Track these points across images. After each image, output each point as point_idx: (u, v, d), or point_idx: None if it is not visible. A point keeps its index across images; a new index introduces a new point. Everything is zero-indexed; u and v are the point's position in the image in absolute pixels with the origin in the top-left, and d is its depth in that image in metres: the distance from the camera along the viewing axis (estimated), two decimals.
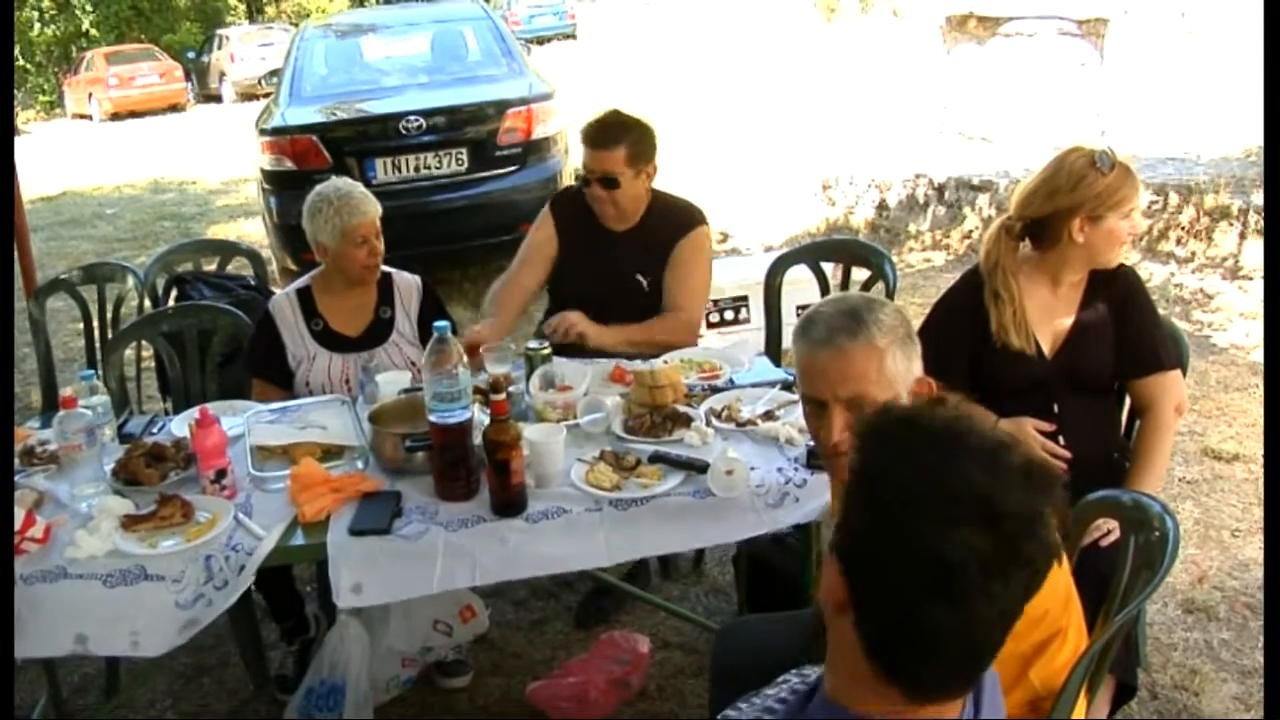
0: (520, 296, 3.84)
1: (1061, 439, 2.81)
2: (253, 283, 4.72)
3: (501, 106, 7.34)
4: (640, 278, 3.72)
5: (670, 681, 3.43)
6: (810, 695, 1.44)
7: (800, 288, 4.21)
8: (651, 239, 3.74)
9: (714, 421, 2.93)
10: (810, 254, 4.28)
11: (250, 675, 3.60)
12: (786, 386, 3.16)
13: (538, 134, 7.09)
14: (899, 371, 2.00)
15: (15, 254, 6.09)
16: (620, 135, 3.67)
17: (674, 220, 3.78)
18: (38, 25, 31.80)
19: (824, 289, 4.11)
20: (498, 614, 3.65)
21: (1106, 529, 2.53)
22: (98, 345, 4.58)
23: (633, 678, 3.31)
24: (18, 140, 6.43)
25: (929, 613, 1.22)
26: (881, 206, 8.80)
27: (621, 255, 3.73)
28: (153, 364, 4.31)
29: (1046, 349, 2.90)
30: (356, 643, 3.04)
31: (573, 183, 3.87)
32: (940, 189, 8.39)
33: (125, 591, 2.46)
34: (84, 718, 3.57)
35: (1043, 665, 1.82)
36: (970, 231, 7.93)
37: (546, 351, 3.17)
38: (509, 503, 2.53)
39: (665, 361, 3.28)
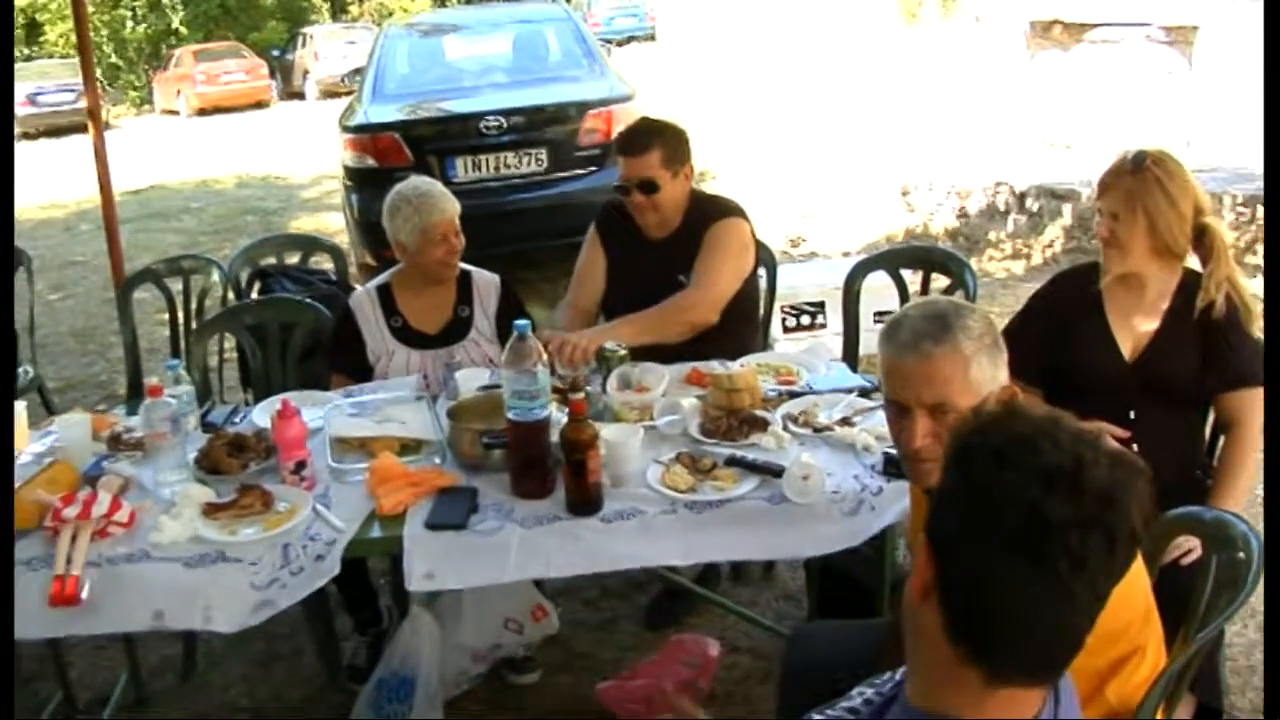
0: (582, 320, 3.82)
1: (1136, 448, 2.72)
2: (333, 278, 4.78)
3: (582, 107, 7.38)
4: (682, 278, 3.68)
5: (739, 686, 3.42)
6: (888, 704, 1.44)
7: (879, 294, 4.18)
8: (689, 237, 3.72)
9: (790, 426, 2.92)
10: (890, 260, 4.25)
11: (323, 665, 3.64)
12: (864, 393, 3.14)
13: (617, 135, 7.05)
14: (984, 379, 1.98)
15: (108, 245, 6.24)
16: (653, 139, 3.65)
17: (709, 213, 3.75)
18: (130, 24, 32.45)
19: (903, 296, 4.07)
20: (568, 612, 3.65)
21: (1188, 547, 2.47)
22: (182, 336, 4.67)
23: (701, 681, 3.28)
24: (109, 134, 6.55)
25: (1013, 574, 1.22)
26: (961, 214, 8.70)
27: (665, 261, 3.70)
28: (235, 355, 4.37)
29: (1126, 353, 2.86)
30: (428, 636, 3.06)
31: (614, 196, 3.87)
32: (1021, 197, 8.29)
33: (203, 572, 2.51)
34: (161, 698, 3.64)
35: (1120, 683, 1.79)
36: (1051, 241, 7.82)
37: (623, 352, 3.18)
38: (585, 502, 2.54)
39: (742, 365, 3.27)
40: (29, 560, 2.55)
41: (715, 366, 3.27)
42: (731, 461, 2.70)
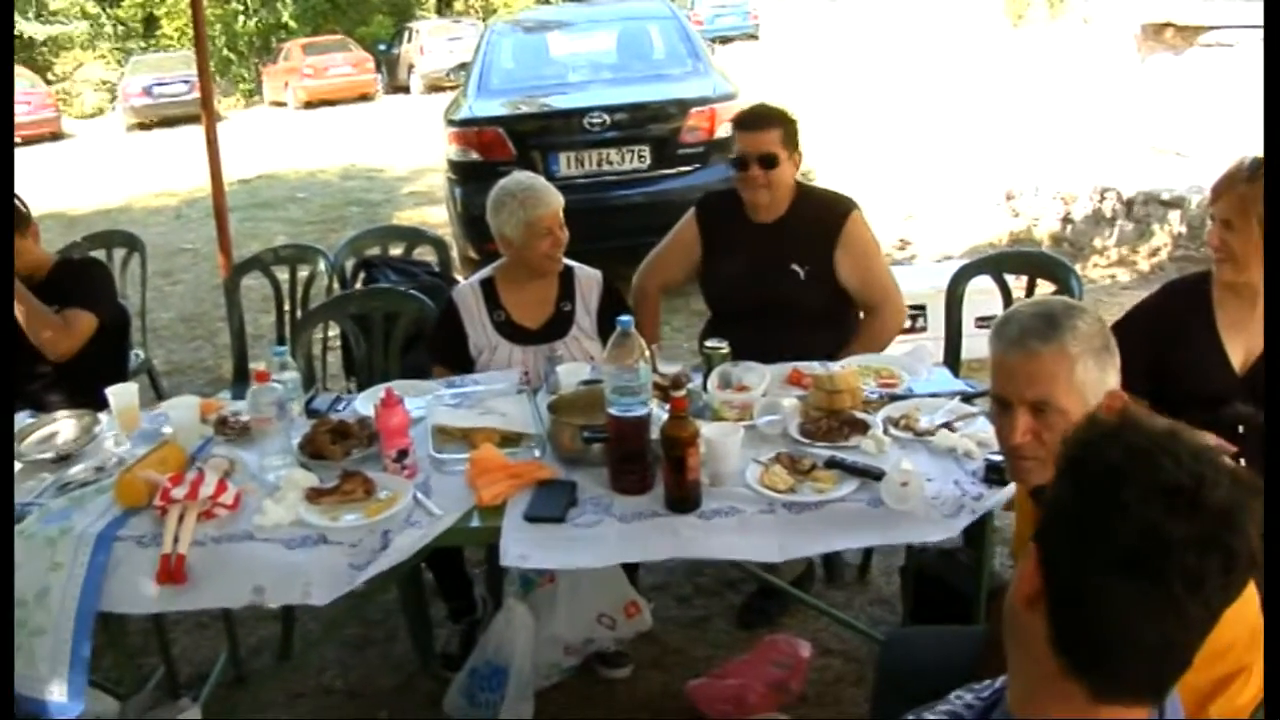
0: (647, 305, 3.99)
1: (1243, 463, 2.66)
2: (437, 270, 4.83)
3: (685, 105, 7.37)
4: (796, 267, 3.71)
5: (830, 689, 3.40)
6: (990, 709, 1.41)
7: (981, 299, 4.12)
8: (806, 228, 3.74)
9: (891, 430, 2.88)
10: (994, 265, 4.18)
11: (416, 651, 3.68)
12: (966, 398, 3.10)
13: (720, 134, 7.05)
14: (1090, 381, 1.96)
15: (217, 233, 6.37)
16: (774, 118, 3.73)
17: (828, 208, 3.79)
18: (241, 18, 33.13)
19: (1007, 301, 4.01)
20: (661, 609, 3.66)
21: None
22: (287, 323, 4.75)
23: (792, 682, 3.28)
24: (219, 126, 6.70)
25: (1125, 592, 1.19)
26: (1066, 219, 8.54)
27: (774, 246, 3.74)
28: (338, 344, 4.44)
29: (1236, 365, 2.79)
30: (522, 627, 3.08)
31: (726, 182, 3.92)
32: (1129, 204, 8.10)
33: (303, 553, 2.56)
34: (258, 677, 3.73)
35: (1224, 703, 1.74)
36: (1158, 249, 7.64)
37: (725, 351, 3.17)
38: (683, 499, 2.53)
39: (843, 366, 3.25)
40: (139, 537, 2.62)
41: (816, 367, 3.26)
42: (831, 463, 2.68)
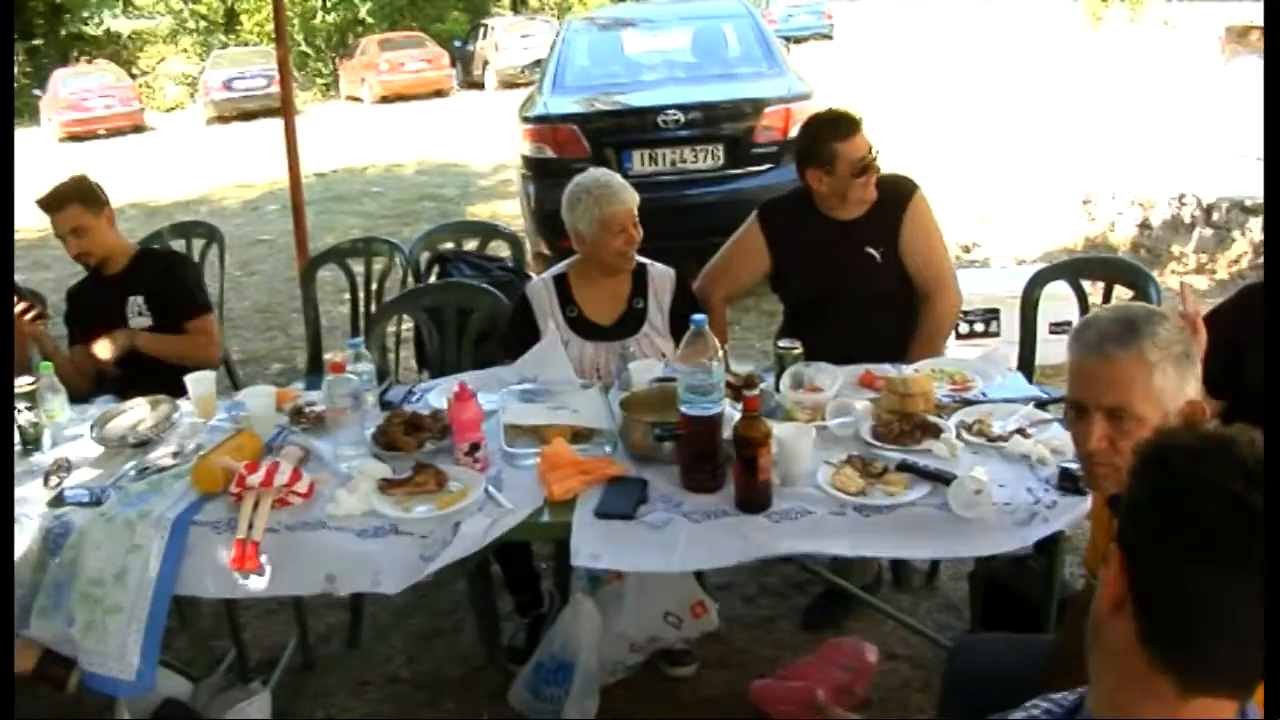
0: (713, 316, 3.92)
1: None
2: (511, 265, 4.86)
3: (759, 105, 7.34)
4: (871, 250, 3.73)
5: (895, 694, 3.38)
6: (1071, 714, 1.40)
7: (1057, 304, 4.08)
8: (875, 211, 3.76)
9: (964, 435, 2.86)
10: (1070, 270, 4.13)
11: (483, 643, 3.71)
12: (1041, 405, 3.06)
13: (795, 133, 6.99)
14: (1168, 389, 1.94)
15: (294, 225, 6.45)
16: (860, 122, 3.76)
17: (893, 189, 3.80)
18: (320, 13, 33.54)
19: (1083, 308, 3.96)
20: (726, 609, 3.65)
21: None
22: (361, 315, 4.81)
23: (857, 686, 3.26)
24: (297, 120, 6.78)
25: (1210, 573, 1.18)
26: (1144, 225, 8.40)
27: (850, 235, 3.75)
28: (411, 336, 4.48)
29: None
30: (589, 623, 3.09)
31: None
32: (1209, 210, 7.96)
33: (375, 542, 2.59)
34: (326, 664, 3.78)
35: None
36: (1239, 256, 7.50)
37: (798, 351, 3.16)
38: (754, 499, 2.53)
39: (916, 370, 3.23)
40: (214, 523, 2.67)
41: (889, 370, 3.25)
42: (903, 467, 2.66)
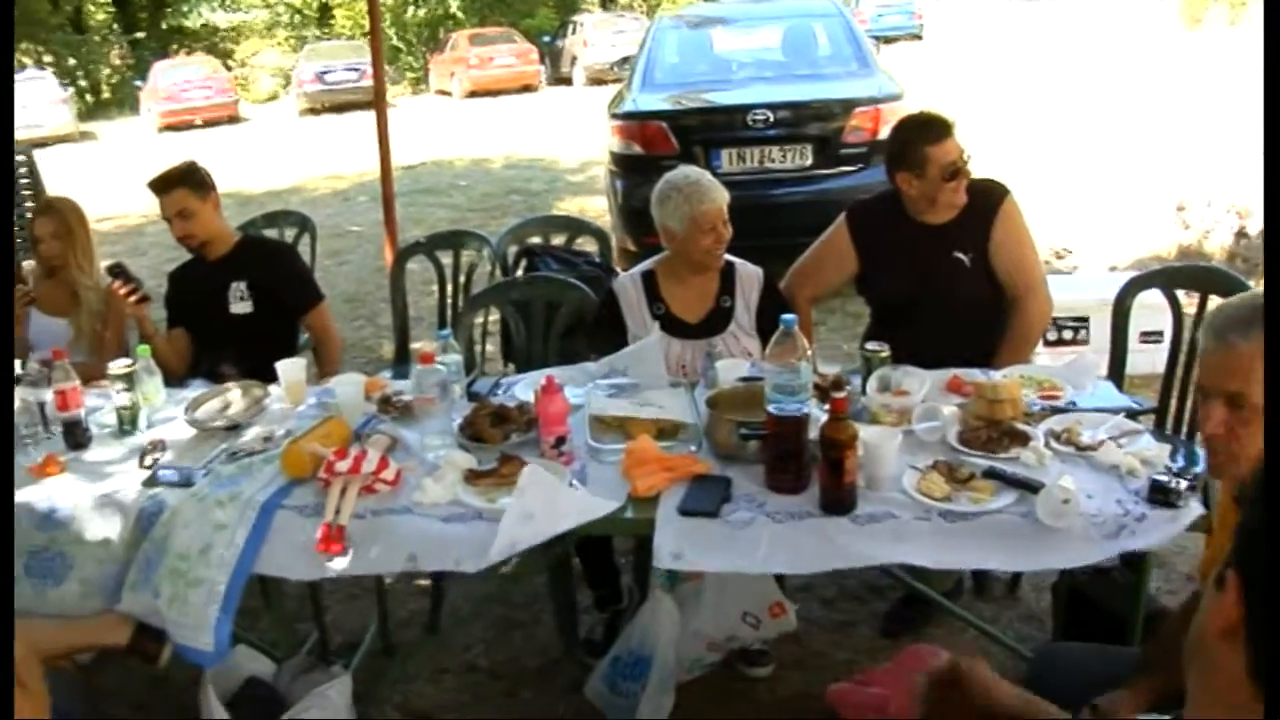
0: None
1: None
2: (598, 260, 4.87)
3: (849, 105, 7.29)
4: (960, 255, 3.69)
5: None
6: None
7: (1149, 313, 4.00)
8: (965, 215, 3.72)
9: (1052, 443, 2.82)
10: (1166, 279, 4.04)
11: (561, 636, 3.73)
12: (1131, 415, 3.01)
13: (884, 134, 6.90)
14: None
15: (384, 217, 6.52)
16: (952, 126, 3.72)
17: (984, 194, 3.75)
18: (411, 8, 33.90)
19: (1177, 317, 3.88)
20: (805, 610, 3.64)
21: None
22: (448, 307, 4.85)
23: None
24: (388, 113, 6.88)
25: None
26: (1241, 234, 8.19)
27: (938, 239, 3.72)
28: (498, 329, 4.52)
29: None
30: (668, 620, 3.08)
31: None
32: None
33: (459, 526, 2.62)
34: (405, 649, 3.84)
35: None
36: None
37: (885, 354, 3.13)
38: (838, 501, 2.51)
39: (1005, 376, 3.19)
40: (301, 507, 2.72)
41: (978, 375, 3.21)
42: (990, 474, 2.63)
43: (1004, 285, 3.72)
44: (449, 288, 4.87)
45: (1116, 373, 3.83)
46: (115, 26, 36.16)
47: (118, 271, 4.03)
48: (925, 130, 3.70)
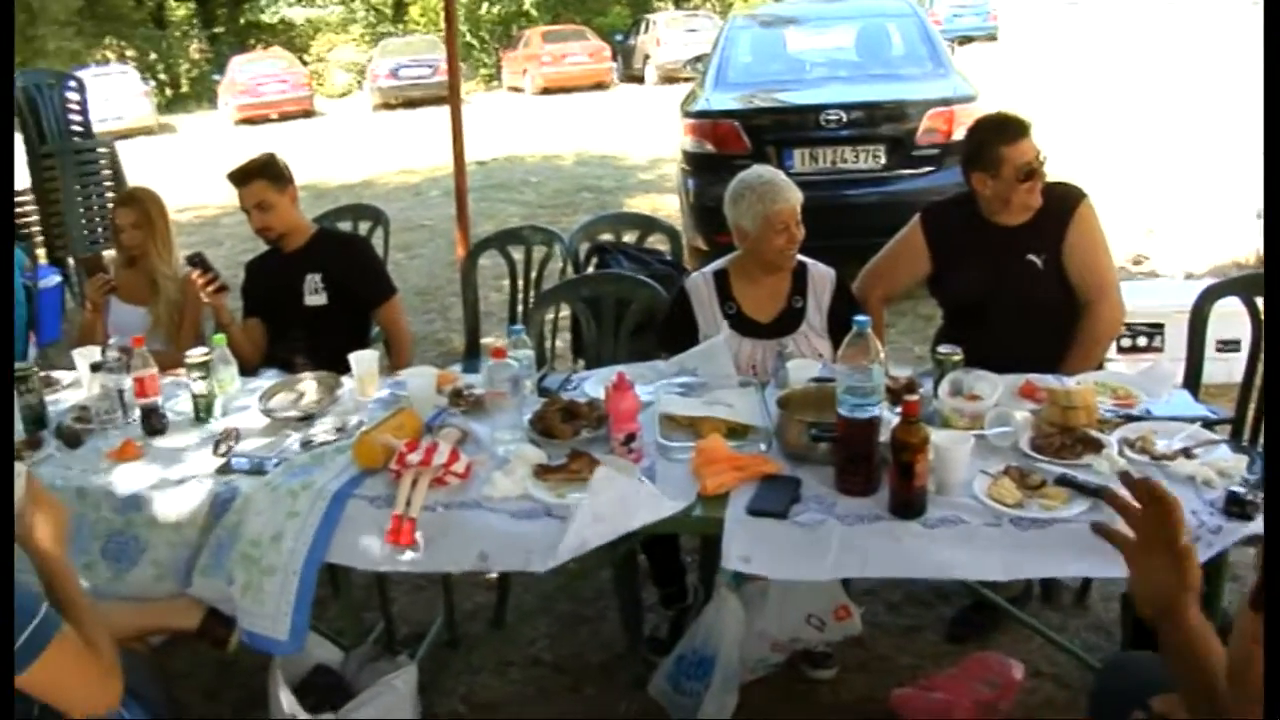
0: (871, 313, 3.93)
1: None
2: (669, 259, 4.88)
3: (923, 106, 7.25)
4: (1033, 257, 3.67)
5: (1039, 712, 3.30)
6: None
7: (1226, 321, 3.92)
8: (1040, 218, 3.69)
9: (1126, 451, 2.78)
10: (1245, 286, 3.97)
11: (625, 633, 3.74)
12: (1207, 424, 2.96)
13: (958, 136, 6.84)
14: None
15: (456, 212, 6.57)
16: (1027, 124, 3.70)
17: (1061, 197, 3.72)
18: (485, 4, 34.11)
19: (1256, 326, 3.82)
20: (869, 614, 3.62)
21: None
22: (519, 302, 4.89)
23: (1001, 703, 3.20)
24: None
25: None
26: None
27: (1012, 241, 3.69)
28: (568, 325, 4.54)
29: None
30: (733, 619, 3.08)
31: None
32: None
33: (528, 523, 2.63)
34: (470, 642, 3.87)
35: None
36: None
37: (958, 358, 3.11)
38: (908, 504, 2.49)
39: (1079, 382, 3.15)
40: (372, 498, 2.75)
41: (1051, 381, 3.18)
42: (1062, 481, 2.60)
43: (1076, 289, 3.68)
44: (520, 283, 4.91)
45: (1192, 381, 3.77)
46: (195, 22, 36.86)
47: (196, 261, 4.10)
48: (1001, 131, 3.67)
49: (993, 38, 30.45)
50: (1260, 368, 3.56)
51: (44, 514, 2.23)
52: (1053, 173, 3.72)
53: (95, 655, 2.08)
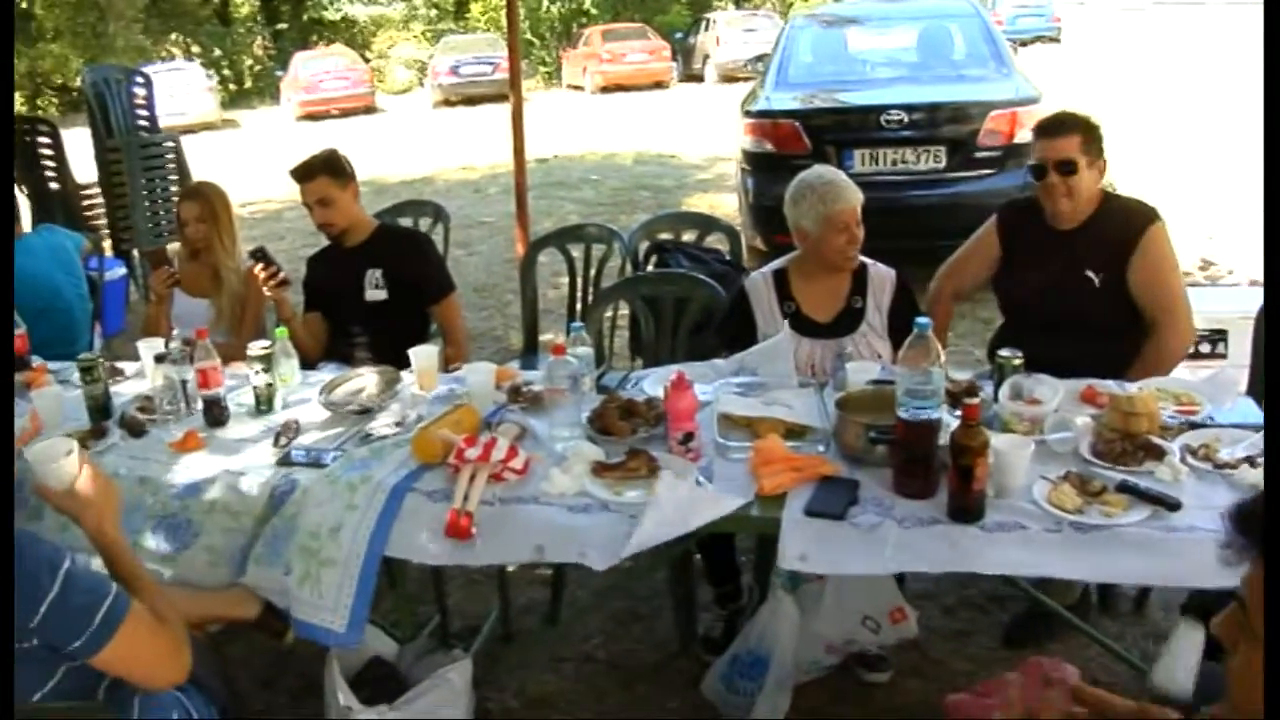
0: (941, 310, 3.99)
1: None
2: (727, 258, 4.88)
3: (985, 108, 7.19)
4: (1091, 274, 3.62)
5: None
6: None
7: None
8: (1104, 236, 3.64)
9: (1189, 459, 2.74)
10: None
11: (679, 632, 3.74)
12: None
13: (1020, 138, 6.83)
14: None
15: (516, 209, 6.59)
16: (1074, 124, 3.64)
17: (1130, 217, 3.67)
18: (545, 3, 34.22)
19: None
20: (925, 618, 3.59)
21: None
22: (577, 299, 4.90)
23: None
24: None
25: None
26: None
27: (1071, 253, 3.65)
28: (626, 323, 4.55)
29: None
30: (787, 620, 3.08)
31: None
32: None
33: (585, 517, 2.64)
34: (524, 637, 3.89)
35: None
36: None
37: (1018, 361, 3.08)
38: (966, 508, 2.48)
39: (1141, 388, 3.11)
40: (430, 492, 2.77)
41: (1113, 386, 3.14)
42: (1123, 488, 2.57)
43: (1142, 310, 3.63)
44: (578, 280, 4.92)
45: (1257, 389, 3.72)
46: (259, 19, 37.32)
47: (259, 255, 4.15)
48: (1043, 124, 3.71)
49: (1055, 39, 30.12)
50: None
51: (96, 492, 2.28)
52: (1121, 180, 3.66)
53: (167, 628, 2.13)
